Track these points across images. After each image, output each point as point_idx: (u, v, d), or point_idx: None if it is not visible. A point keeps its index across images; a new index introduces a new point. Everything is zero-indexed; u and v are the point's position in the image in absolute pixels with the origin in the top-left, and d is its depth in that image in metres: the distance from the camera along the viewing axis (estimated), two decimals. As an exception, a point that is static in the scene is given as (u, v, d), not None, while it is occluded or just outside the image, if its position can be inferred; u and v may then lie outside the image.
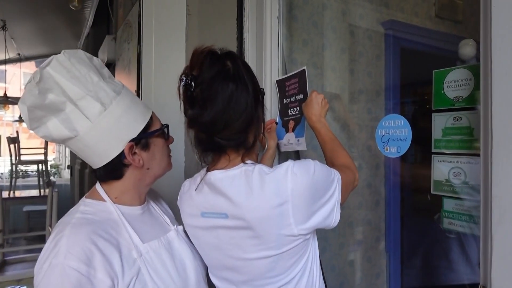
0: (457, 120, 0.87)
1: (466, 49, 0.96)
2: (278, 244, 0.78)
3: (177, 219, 1.08)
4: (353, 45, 1.90)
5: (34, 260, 0.84)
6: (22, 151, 6.16)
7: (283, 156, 1.39)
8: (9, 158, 6.10)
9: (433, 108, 0.91)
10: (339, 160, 0.97)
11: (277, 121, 1.39)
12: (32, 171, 9.44)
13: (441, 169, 0.91)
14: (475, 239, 0.76)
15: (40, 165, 6.07)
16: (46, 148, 6.05)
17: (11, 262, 3.99)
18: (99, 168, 0.88)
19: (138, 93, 1.49)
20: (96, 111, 0.82)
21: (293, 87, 1.30)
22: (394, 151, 0.98)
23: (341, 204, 0.84)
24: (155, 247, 0.88)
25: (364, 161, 1.90)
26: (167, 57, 1.41)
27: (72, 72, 0.81)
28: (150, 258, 0.85)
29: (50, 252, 0.75)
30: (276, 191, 0.76)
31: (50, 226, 3.70)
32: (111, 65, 2.63)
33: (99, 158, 0.86)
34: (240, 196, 0.79)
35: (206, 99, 0.80)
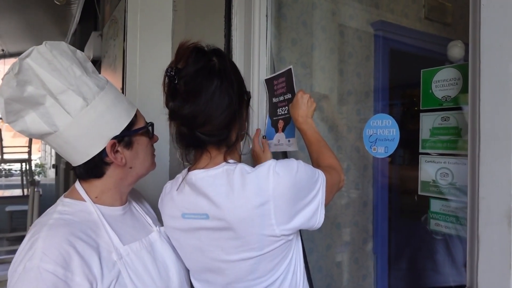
0: (445, 120, 0.86)
1: (455, 50, 0.96)
2: (260, 245, 0.77)
3: (160, 220, 1.05)
4: (343, 46, 1.89)
5: (15, 262, 0.80)
6: (5, 150, 6.02)
7: (272, 157, 1.37)
8: (-8, 156, 5.95)
9: (421, 108, 0.91)
10: (325, 161, 0.96)
11: (266, 121, 1.37)
12: (16, 170, 9.26)
13: (429, 169, 0.90)
14: (461, 241, 0.75)
15: (23, 164, 5.94)
16: (30, 146, 5.92)
17: (-8, 263, 3.89)
18: (79, 166, 0.85)
19: (123, 91, 1.46)
20: (78, 106, 0.79)
21: (281, 86, 1.28)
22: (381, 151, 0.97)
23: (326, 205, 0.83)
24: (136, 249, 0.86)
25: (352, 162, 1.90)
26: (152, 54, 1.38)
27: (54, 64, 0.78)
28: (131, 260, 0.83)
29: (25, 254, 0.72)
30: (257, 191, 0.75)
31: (32, 226, 3.61)
32: (97, 62, 2.58)
33: (79, 155, 0.83)
34: (221, 196, 0.77)
35: (189, 92, 0.79)
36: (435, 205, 0.91)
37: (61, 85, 0.77)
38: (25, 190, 4.67)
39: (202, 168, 0.84)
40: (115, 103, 0.85)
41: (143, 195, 1.11)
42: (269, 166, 0.77)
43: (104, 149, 0.82)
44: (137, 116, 0.90)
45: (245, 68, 1.45)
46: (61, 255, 0.71)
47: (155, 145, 0.98)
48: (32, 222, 3.62)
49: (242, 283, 0.82)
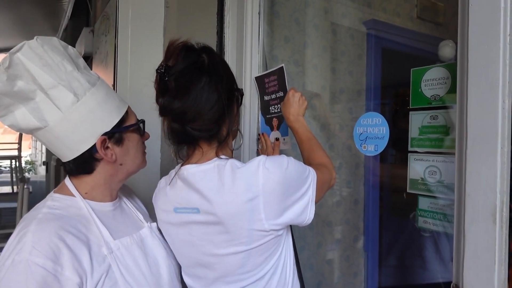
0: (434, 119, 0.87)
1: (446, 50, 0.97)
2: (249, 239, 0.77)
3: (151, 216, 1.05)
4: (335, 44, 1.90)
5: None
6: (-5, 146, 5.94)
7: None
8: (-18, 153, 5.87)
9: (410, 107, 0.91)
10: (316, 159, 0.97)
11: (259, 119, 1.37)
12: (5, 167, 9.15)
13: (417, 167, 0.91)
14: (448, 238, 0.76)
15: (13, 161, 5.87)
16: (20, 143, 5.85)
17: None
18: (69, 162, 0.84)
19: (114, 88, 1.45)
20: (69, 101, 0.79)
21: (273, 84, 1.28)
22: (371, 149, 0.98)
23: (316, 203, 0.83)
24: (126, 244, 0.86)
25: (344, 160, 1.91)
26: (144, 51, 1.37)
27: (45, 59, 0.77)
28: (121, 255, 0.83)
29: (13, 248, 0.72)
30: (247, 186, 0.75)
31: (22, 224, 3.56)
32: (88, 58, 2.55)
33: (69, 151, 0.83)
34: (211, 191, 0.78)
35: (178, 88, 0.80)
36: (423, 203, 0.92)
37: (52, 80, 0.77)
38: (15, 187, 4.62)
39: (194, 163, 0.85)
40: (106, 99, 0.84)
41: (134, 192, 1.10)
42: (259, 162, 0.77)
43: (94, 145, 0.82)
44: (128, 113, 0.90)
45: (238, 65, 1.45)
46: (51, 248, 0.71)
47: (146, 142, 0.98)
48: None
49: (232, 277, 0.82)
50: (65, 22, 4.32)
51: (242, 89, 0.94)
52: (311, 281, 1.80)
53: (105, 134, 0.83)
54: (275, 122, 1.29)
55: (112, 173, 0.88)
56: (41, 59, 0.77)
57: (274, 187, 0.75)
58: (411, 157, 0.93)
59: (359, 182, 1.99)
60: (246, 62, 1.43)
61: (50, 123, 0.79)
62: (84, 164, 0.85)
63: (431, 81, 0.87)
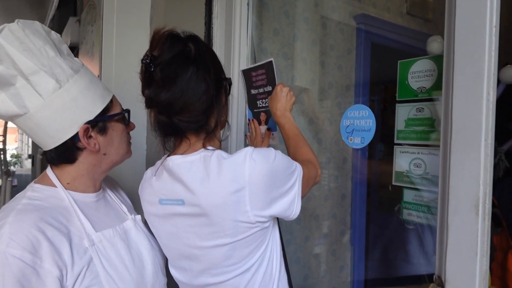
0: (420, 111, 0.87)
1: (434, 45, 0.97)
2: (234, 231, 0.77)
3: (136, 208, 1.04)
4: (325, 38, 1.89)
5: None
6: (-21, 139, 5.80)
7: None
8: (-35, 145, 5.73)
9: (397, 99, 0.91)
10: (302, 155, 0.96)
11: (246, 113, 1.36)
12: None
13: (403, 160, 0.91)
14: (432, 230, 0.76)
15: (-1, 153, 5.75)
16: (5, 136, 5.73)
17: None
18: (51, 151, 0.83)
19: (99, 78, 1.42)
20: (50, 88, 0.77)
21: (261, 78, 1.27)
22: (358, 141, 0.97)
23: (302, 198, 0.83)
24: (109, 236, 0.84)
25: (332, 155, 1.91)
26: (130, 41, 1.34)
27: (26, 44, 0.75)
28: (103, 247, 0.82)
29: None
30: (233, 177, 0.74)
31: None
32: (75, 49, 2.50)
33: (50, 139, 0.81)
34: (196, 182, 0.77)
35: (164, 79, 0.78)
36: (408, 195, 0.92)
37: (33, 66, 0.75)
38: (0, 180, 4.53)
39: (181, 154, 0.83)
40: (90, 87, 0.83)
41: (119, 184, 1.09)
42: (246, 153, 0.76)
43: (77, 134, 0.81)
44: (113, 102, 0.88)
45: (226, 57, 1.43)
46: (29, 240, 0.69)
47: (132, 133, 0.96)
48: (4, 212, 3.52)
49: (217, 270, 0.82)
50: (52, 11, 4.23)
51: (230, 78, 0.92)
52: (297, 275, 1.81)
53: (88, 122, 0.81)
54: (263, 116, 1.28)
55: (95, 163, 0.86)
56: (21, 43, 0.75)
57: (260, 179, 0.74)
58: (397, 149, 0.93)
59: (347, 177, 2.00)
60: (235, 54, 1.41)
61: (31, 110, 0.77)
62: (66, 153, 0.83)
63: (417, 73, 0.87)
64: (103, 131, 0.85)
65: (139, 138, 1.32)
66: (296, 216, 0.82)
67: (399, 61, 0.90)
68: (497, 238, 1.56)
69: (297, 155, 0.97)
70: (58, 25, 4.07)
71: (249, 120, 1.32)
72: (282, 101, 1.06)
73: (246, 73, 1.34)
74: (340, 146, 1.91)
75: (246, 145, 1.35)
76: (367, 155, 2.00)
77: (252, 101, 1.33)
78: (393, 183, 0.94)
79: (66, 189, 0.83)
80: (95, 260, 0.78)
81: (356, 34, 1.99)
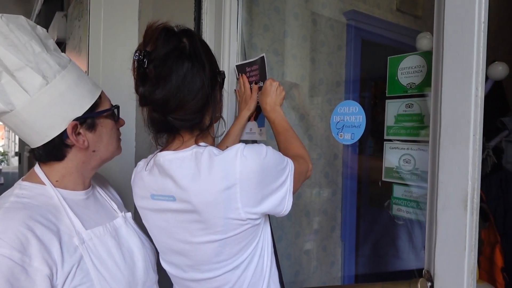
0: (409, 107, 0.87)
1: (423, 42, 0.97)
2: (225, 228, 0.76)
3: (126, 205, 1.03)
4: (315, 34, 1.89)
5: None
6: (-36, 136, 5.70)
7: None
8: (-50, 143, 5.63)
9: (387, 95, 0.91)
10: (293, 150, 0.96)
11: (237, 108, 1.35)
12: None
13: (393, 155, 0.91)
14: (421, 225, 0.77)
15: (-15, 151, 5.65)
16: (-9, 133, 5.63)
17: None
18: (38, 148, 0.81)
19: (86, 74, 1.39)
20: (37, 84, 0.75)
21: (254, 74, 1.26)
22: (348, 137, 0.97)
23: (293, 194, 0.82)
24: (99, 234, 0.84)
25: (323, 151, 1.91)
26: (118, 35, 1.32)
27: (10, 39, 0.73)
28: (94, 245, 0.81)
29: None
30: (224, 174, 0.74)
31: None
32: (62, 44, 2.46)
33: (38, 136, 0.79)
34: (187, 179, 0.76)
35: (159, 77, 0.76)
36: (398, 191, 0.93)
37: (18, 62, 0.73)
38: (-14, 178, 4.45)
39: (173, 150, 0.82)
40: (78, 83, 0.81)
41: (108, 181, 1.07)
42: (237, 150, 0.75)
43: (65, 130, 0.79)
44: (101, 98, 0.87)
45: (216, 53, 1.39)
46: (18, 239, 0.68)
47: (121, 129, 0.95)
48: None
49: (207, 266, 0.81)
50: (38, 6, 4.15)
51: (223, 71, 0.90)
52: (288, 271, 1.82)
53: (77, 119, 0.80)
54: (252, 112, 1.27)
55: (85, 160, 0.85)
56: (6, 39, 0.73)
57: (251, 176, 0.74)
58: (386, 145, 0.93)
59: (338, 173, 2.01)
60: (225, 50, 1.40)
61: (17, 107, 0.75)
62: (54, 151, 0.82)
63: (407, 69, 0.87)
64: (92, 127, 0.84)
65: (128, 134, 1.30)
66: (287, 212, 0.82)
67: (389, 57, 0.90)
68: (485, 232, 1.59)
69: (287, 150, 0.96)
70: (44, 20, 4.00)
71: (239, 74, 1.30)
72: (272, 95, 1.06)
73: (241, 68, 1.33)
74: (331, 142, 1.91)
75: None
76: (357, 151, 2.01)
77: (242, 97, 1.32)
78: (383, 179, 0.94)
79: (55, 186, 0.82)
80: (85, 258, 0.77)
81: (346, 30, 1.99)
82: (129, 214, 0.96)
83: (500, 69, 1.49)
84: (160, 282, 0.97)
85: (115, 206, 0.95)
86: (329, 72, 1.94)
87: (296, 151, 0.95)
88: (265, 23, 1.66)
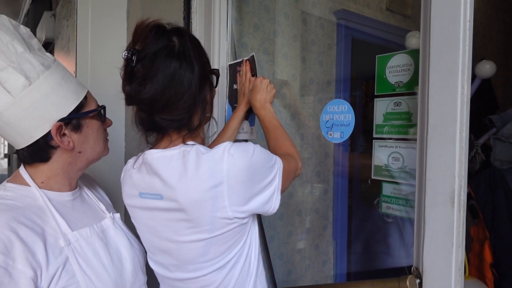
0: (397, 105, 0.88)
1: (412, 41, 0.98)
2: (212, 227, 0.75)
3: (115, 206, 1.02)
4: (305, 33, 1.89)
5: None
6: (-48, 138, 5.60)
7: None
8: None
9: (375, 93, 0.92)
10: (282, 148, 0.95)
11: (226, 108, 1.34)
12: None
13: (381, 154, 0.92)
14: (410, 223, 0.77)
15: (-27, 153, 5.56)
16: (-20, 135, 5.55)
17: None
18: (23, 149, 0.80)
19: (74, 74, 1.38)
20: (19, 85, 0.74)
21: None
22: (337, 136, 0.98)
23: (282, 192, 0.82)
24: (86, 235, 0.83)
25: (314, 150, 1.92)
26: (106, 35, 1.31)
27: None
28: (80, 246, 0.80)
29: None
30: (211, 172, 0.73)
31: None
32: (50, 44, 2.43)
33: (22, 138, 0.78)
34: (173, 178, 0.76)
35: (146, 76, 0.75)
36: (387, 189, 0.93)
37: (0, 62, 0.73)
38: (-26, 181, 4.37)
39: (161, 148, 0.82)
40: (62, 83, 0.80)
41: (97, 181, 1.06)
42: (224, 148, 0.75)
43: (50, 132, 0.78)
44: (87, 98, 0.86)
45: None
46: (1, 241, 0.68)
47: (110, 129, 0.94)
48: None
49: (193, 265, 0.81)
50: (26, 6, 4.09)
51: (218, 70, 0.89)
52: (281, 270, 1.82)
53: (61, 120, 0.79)
54: None
55: (70, 161, 0.85)
56: None
57: (239, 174, 0.73)
58: (375, 143, 0.94)
59: (329, 172, 2.01)
60: (214, 50, 1.39)
61: (0, 108, 0.74)
62: (39, 152, 0.81)
63: (395, 68, 0.87)
64: (77, 128, 0.83)
65: (117, 134, 1.29)
66: (275, 210, 0.82)
67: (377, 56, 0.91)
68: (474, 229, 1.61)
69: (277, 148, 0.96)
70: (33, 20, 3.94)
71: (243, 60, 1.28)
72: (262, 92, 1.05)
73: (232, 68, 1.33)
74: (322, 141, 1.92)
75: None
76: (348, 150, 2.02)
77: (233, 96, 1.32)
78: (372, 177, 0.95)
79: (40, 188, 0.81)
80: (71, 260, 0.77)
81: (337, 29, 2.00)
82: (117, 215, 0.96)
83: (487, 67, 1.51)
84: (148, 283, 0.97)
85: (103, 207, 0.94)
86: (320, 71, 1.94)
87: (285, 150, 0.94)
88: (255, 23, 1.65)
